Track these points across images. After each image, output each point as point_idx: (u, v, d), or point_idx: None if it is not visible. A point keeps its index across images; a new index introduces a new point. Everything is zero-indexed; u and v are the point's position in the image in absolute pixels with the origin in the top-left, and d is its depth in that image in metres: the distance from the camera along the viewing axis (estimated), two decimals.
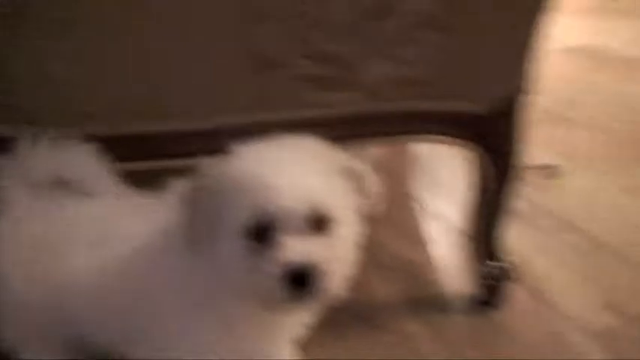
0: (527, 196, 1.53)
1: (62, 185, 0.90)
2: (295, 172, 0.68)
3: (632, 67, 2.45)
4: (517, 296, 1.18)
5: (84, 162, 0.88)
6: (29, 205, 0.88)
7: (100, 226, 0.83)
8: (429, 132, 1.00)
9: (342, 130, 0.96)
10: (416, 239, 1.38)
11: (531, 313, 1.16)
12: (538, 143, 1.80)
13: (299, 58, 0.89)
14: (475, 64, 0.94)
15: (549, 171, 1.64)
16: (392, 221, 1.43)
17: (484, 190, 1.07)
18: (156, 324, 0.79)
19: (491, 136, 1.01)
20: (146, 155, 0.94)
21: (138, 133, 0.92)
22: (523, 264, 1.27)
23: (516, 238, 1.36)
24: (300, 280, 0.66)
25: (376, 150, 1.76)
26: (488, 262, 1.12)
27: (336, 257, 0.68)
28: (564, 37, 2.86)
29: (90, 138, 0.86)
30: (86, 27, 0.84)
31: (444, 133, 1.00)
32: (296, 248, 0.66)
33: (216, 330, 0.77)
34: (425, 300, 1.18)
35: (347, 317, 1.10)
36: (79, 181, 0.89)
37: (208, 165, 0.71)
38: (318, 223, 0.68)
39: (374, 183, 0.73)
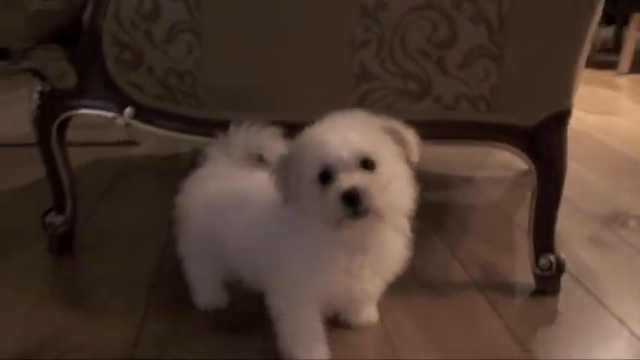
0: (618, 235, 1.73)
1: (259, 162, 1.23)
2: (344, 133, 0.99)
3: None
4: (570, 289, 1.41)
5: (267, 142, 1.22)
6: (222, 168, 1.26)
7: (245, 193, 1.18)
8: (489, 140, 1.30)
9: (420, 133, 1.31)
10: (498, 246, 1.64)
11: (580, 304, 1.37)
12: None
13: (390, 74, 1.26)
14: (523, 87, 1.25)
15: None
16: (484, 236, 1.71)
17: (538, 195, 1.34)
18: (272, 260, 1.09)
19: (539, 148, 1.29)
20: None
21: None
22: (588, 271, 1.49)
23: (591, 255, 1.59)
24: (351, 199, 0.94)
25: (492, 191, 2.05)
26: (545, 255, 1.36)
27: (378, 185, 0.96)
28: None
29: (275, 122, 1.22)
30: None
31: (500, 142, 1.30)
32: (347, 180, 0.96)
33: (310, 257, 1.05)
34: (492, 285, 1.44)
35: (417, 285, 1.42)
36: (264, 157, 1.23)
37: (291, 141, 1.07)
38: (365, 164, 0.98)
39: (409, 136, 1.03)
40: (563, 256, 1.37)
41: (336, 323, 1.24)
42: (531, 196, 1.34)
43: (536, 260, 1.37)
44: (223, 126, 1.30)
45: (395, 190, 1.00)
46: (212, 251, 1.24)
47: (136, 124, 1.40)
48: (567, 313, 1.34)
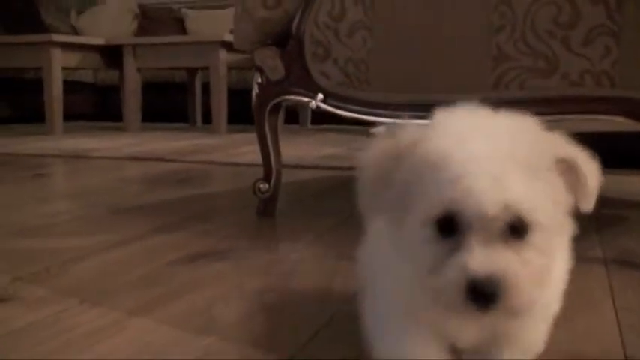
0: None
1: None
2: (497, 167, 0.61)
3: None
4: None
5: None
6: None
7: None
8: (613, 114, 1.41)
9: (547, 108, 1.46)
10: None
11: None
12: None
13: (521, 54, 1.46)
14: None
15: None
16: None
17: None
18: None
19: None
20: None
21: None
22: None
23: None
24: (482, 295, 0.60)
25: None
26: None
27: (529, 273, 0.62)
28: None
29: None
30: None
31: (623, 117, 1.40)
32: (484, 257, 0.61)
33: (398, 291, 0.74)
34: (620, 262, 1.47)
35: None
36: None
37: (404, 133, 0.69)
38: (514, 228, 0.62)
39: (590, 177, 0.66)
40: None
41: None
42: None
43: None
44: (384, 106, 1.61)
45: (547, 270, 0.66)
46: None
47: (324, 106, 1.76)
48: None
